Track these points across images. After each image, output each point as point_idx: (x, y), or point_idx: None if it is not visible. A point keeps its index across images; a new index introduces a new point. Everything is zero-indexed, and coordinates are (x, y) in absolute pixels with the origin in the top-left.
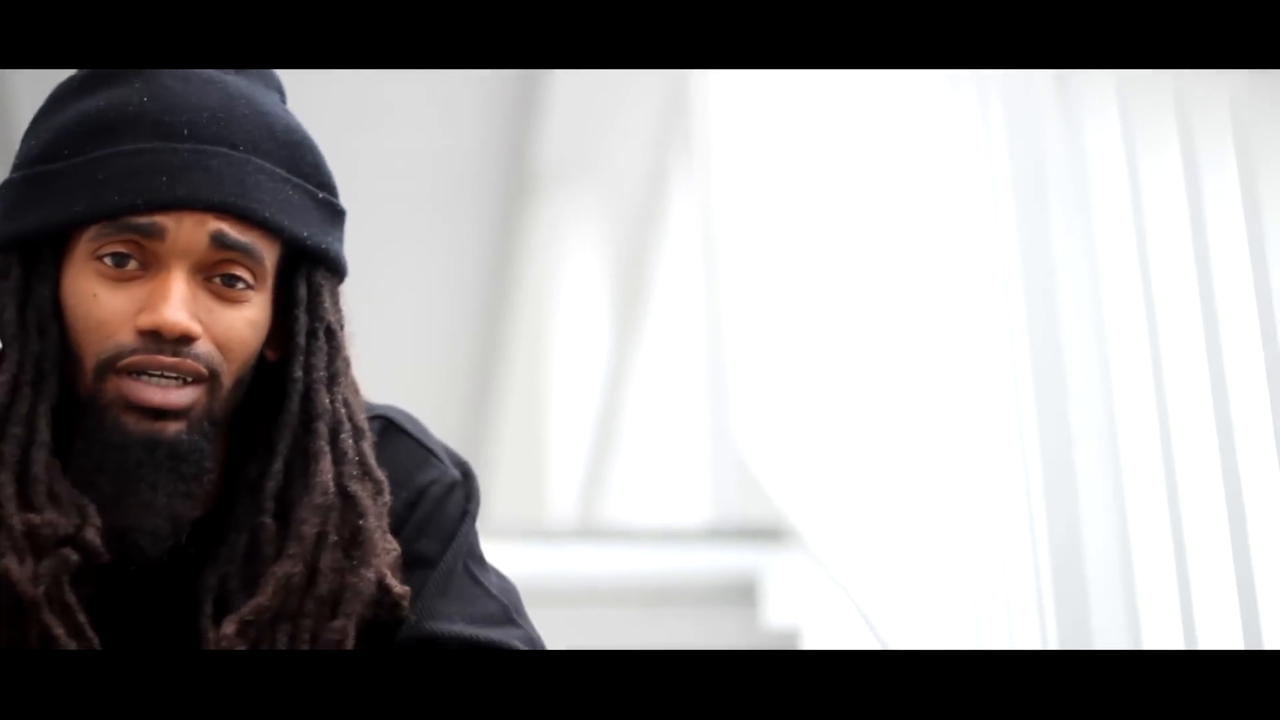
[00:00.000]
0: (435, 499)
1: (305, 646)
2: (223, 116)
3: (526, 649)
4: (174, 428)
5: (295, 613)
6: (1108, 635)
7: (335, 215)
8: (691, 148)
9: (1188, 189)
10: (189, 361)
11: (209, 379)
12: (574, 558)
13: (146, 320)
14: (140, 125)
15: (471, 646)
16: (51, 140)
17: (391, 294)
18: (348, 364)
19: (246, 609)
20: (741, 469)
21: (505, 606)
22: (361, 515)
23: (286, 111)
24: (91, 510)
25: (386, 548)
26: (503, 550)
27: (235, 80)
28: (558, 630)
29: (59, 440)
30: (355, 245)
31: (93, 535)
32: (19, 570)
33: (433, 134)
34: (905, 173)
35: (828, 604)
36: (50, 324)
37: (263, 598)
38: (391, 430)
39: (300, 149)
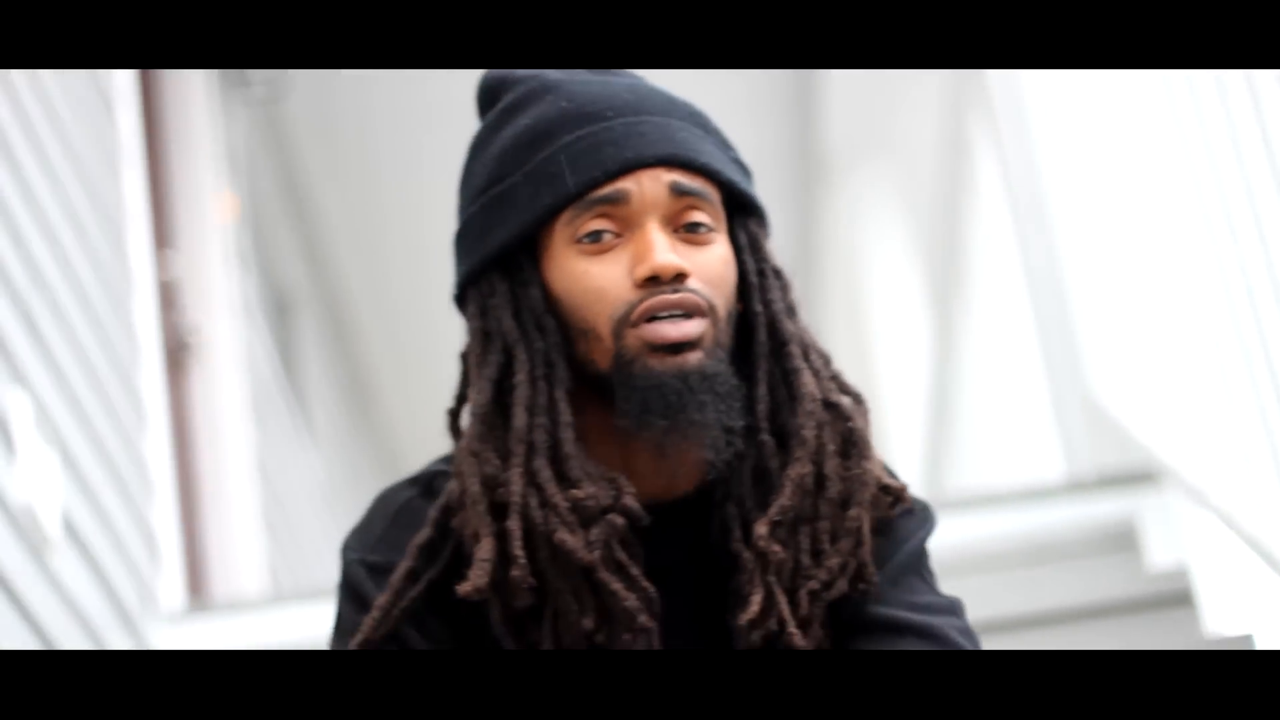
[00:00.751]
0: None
1: (826, 546)
2: (633, 98)
3: (965, 642)
4: (695, 357)
5: (812, 516)
6: None
7: (747, 174)
8: (993, 108)
9: None
10: (690, 296)
11: (709, 311)
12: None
13: (643, 270)
14: (569, 122)
15: (912, 629)
16: (494, 167)
17: None
18: (797, 315)
19: (773, 510)
20: (1098, 418)
21: (951, 602)
22: (849, 418)
23: (686, 102)
24: (623, 480)
25: (875, 450)
26: None
27: (620, 77)
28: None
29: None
30: None
31: (631, 501)
32: (573, 540)
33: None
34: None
35: (1212, 539)
36: (545, 318)
37: (784, 499)
38: None
39: (701, 116)
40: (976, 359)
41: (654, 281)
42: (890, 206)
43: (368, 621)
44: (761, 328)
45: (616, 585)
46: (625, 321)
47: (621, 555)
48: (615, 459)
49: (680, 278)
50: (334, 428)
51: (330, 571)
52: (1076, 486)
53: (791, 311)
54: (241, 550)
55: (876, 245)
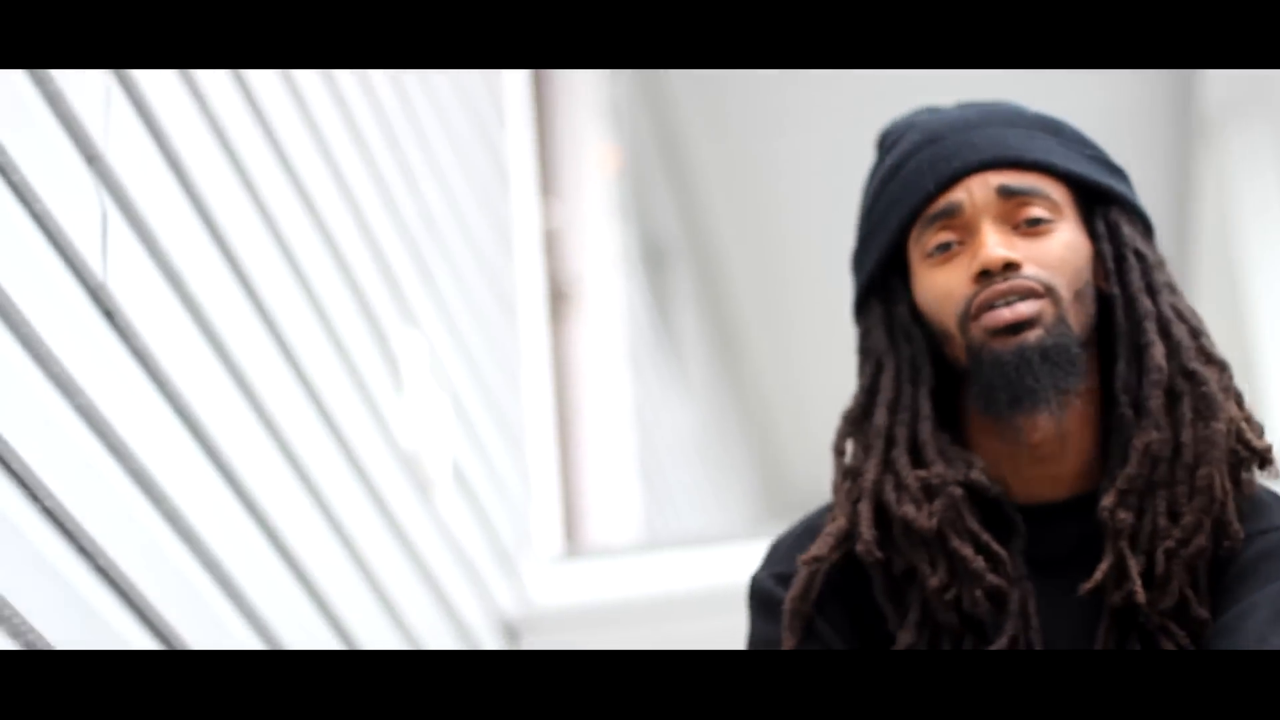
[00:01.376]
0: (1262, 550)
1: (1183, 507)
2: (976, 116)
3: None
4: (1033, 335)
5: (1168, 481)
6: None
7: (1112, 169)
8: None
9: None
10: (1021, 282)
11: (1045, 293)
12: None
13: (974, 267)
14: (914, 150)
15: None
16: (867, 203)
17: None
18: (1170, 285)
19: (1120, 479)
20: None
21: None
22: (1204, 383)
23: (1040, 112)
24: (977, 459)
25: (1238, 415)
26: None
27: (984, 104)
28: None
29: (948, 416)
30: None
31: (979, 475)
32: (914, 512)
33: (1094, 94)
34: None
35: None
36: (912, 329)
37: (1130, 468)
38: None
39: (1057, 124)
40: None
41: (986, 276)
42: (1265, 161)
43: (786, 610)
44: (1119, 307)
45: (962, 547)
46: (967, 316)
47: (972, 523)
48: (999, 458)
49: (1011, 267)
50: (705, 379)
51: (700, 521)
52: None
53: (1152, 289)
54: (616, 497)
55: (1256, 206)
